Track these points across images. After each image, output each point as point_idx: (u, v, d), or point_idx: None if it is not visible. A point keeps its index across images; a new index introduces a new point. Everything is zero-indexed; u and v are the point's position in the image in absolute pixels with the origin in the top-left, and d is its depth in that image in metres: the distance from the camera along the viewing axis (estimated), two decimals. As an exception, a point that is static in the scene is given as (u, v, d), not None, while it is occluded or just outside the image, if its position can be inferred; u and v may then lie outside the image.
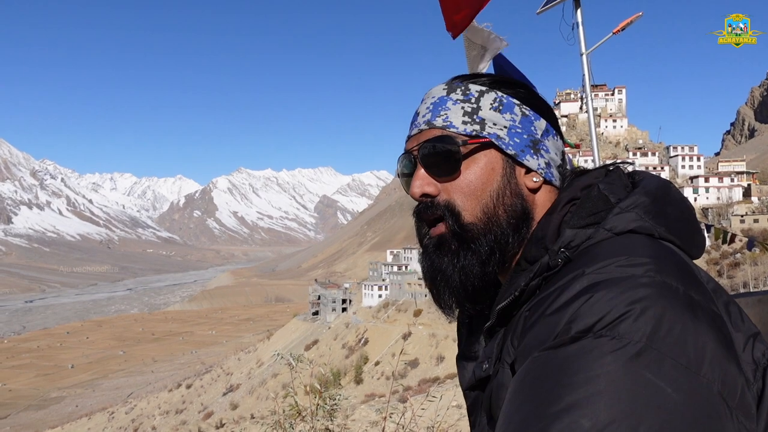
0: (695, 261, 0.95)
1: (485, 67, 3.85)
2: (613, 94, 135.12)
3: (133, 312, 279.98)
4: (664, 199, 0.91)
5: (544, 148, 1.00)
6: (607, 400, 0.65)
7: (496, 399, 0.88)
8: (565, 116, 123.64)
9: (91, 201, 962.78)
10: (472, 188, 0.95)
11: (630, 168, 1.01)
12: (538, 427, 0.66)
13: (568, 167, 1.04)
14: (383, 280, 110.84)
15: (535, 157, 0.98)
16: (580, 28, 6.96)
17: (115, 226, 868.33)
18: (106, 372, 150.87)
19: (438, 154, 0.95)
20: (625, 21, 7.05)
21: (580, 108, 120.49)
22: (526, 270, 0.90)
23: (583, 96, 7.12)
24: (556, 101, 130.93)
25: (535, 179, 0.98)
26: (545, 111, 1.03)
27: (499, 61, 4.24)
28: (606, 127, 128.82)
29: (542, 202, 0.98)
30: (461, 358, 1.06)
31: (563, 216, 0.93)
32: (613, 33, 7.13)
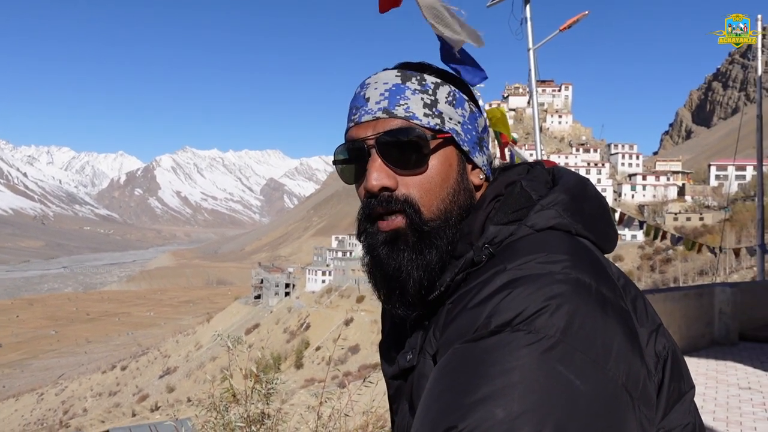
0: (608, 254, 0.98)
1: (457, 39, 3.71)
2: (559, 91, 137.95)
3: (67, 291, 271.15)
4: (581, 196, 0.94)
5: (486, 144, 1.01)
6: (521, 391, 0.68)
7: (417, 388, 0.92)
8: (513, 110, 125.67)
9: (25, 174, 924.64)
10: (433, 184, 0.93)
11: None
12: (455, 416, 0.69)
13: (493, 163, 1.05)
14: (327, 265, 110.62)
15: (480, 153, 0.99)
16: (529, 23, 7.08)
17: (50, 201, 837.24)
18: (36, 352, 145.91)
19: (404, 147, 0.92)
20: (571, 19, 7.21)
21: (528, 102, 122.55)
22: (452, 265, 0.92)
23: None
24: (505, 95, 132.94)
25: (480, 176, 0.99)
26: (480, 107, 1.04)
27: (449, 44, 4.23)
28: (552, 122, 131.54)
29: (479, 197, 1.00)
30: (385, 347, 1.08)
31: (488, 213, 0.94)
32: (560, 30, 7.28)
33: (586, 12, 6.76)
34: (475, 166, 0.99)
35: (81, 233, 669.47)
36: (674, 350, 0.90)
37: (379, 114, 0.93)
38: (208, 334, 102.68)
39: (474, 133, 0.99)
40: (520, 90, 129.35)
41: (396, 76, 0.96)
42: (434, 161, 0.93)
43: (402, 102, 0.93)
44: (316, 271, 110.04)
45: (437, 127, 0.93)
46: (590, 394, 0.70)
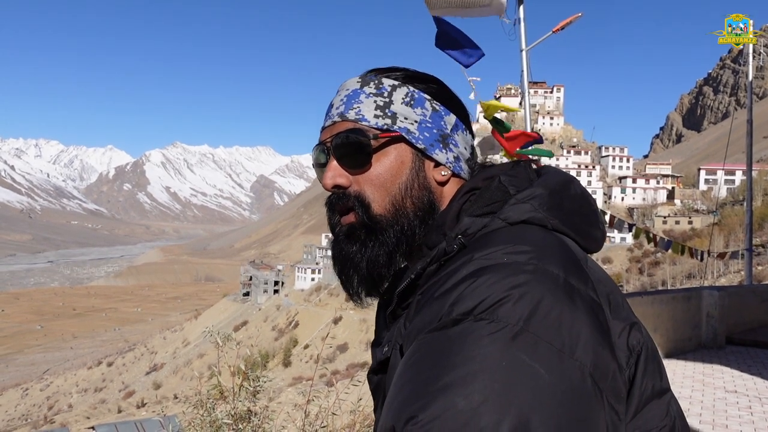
0: (596, 254, 0.96)
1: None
2: (551, 92, 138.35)
3: (53, 285, 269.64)
4: (562, 192, 0.94)
5: (453, 142, 1.02)
6: (483, 380, 0.68)
7: (388, 381, 0.91)
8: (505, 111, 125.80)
9: (13, 167, 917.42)
10: (382, 180, 0.97)
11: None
12: (417, 405, 0.69)
13: (477, 160, 1.06)
14: (317, 263, 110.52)
15: (444, 151, 1.00)
16: (522, 24, 7.07)
17: (38, 194, 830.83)
18: (21, 347, 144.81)
19: (349, 147, 0.97)
20: (564, 20, 7.22)
21: (520, 103, 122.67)
22: (425, 255, 0.94)
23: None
24: (497, 95, 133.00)
25: (443, 173, 1.00)
26: (456, 106, 1.05)
27: (445, 27, 4.27)
28: (543, 123, 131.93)
29: (449, 194, 1.01)
30: (373, 344, 1.09)
31: (462, 204, 0.96)
32: (553, 32, 7.28)
33: (579, 14, 6.77)
34: (438, 163, 1.00)
35: (68, 227, 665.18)
36: (649, 347, 0.89)
37: (336, 118, 1.00)
38: (195, 331, 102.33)
39: (435, 130, 1.00)
40: (512, 91, 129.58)
41: (357, 82, 1.02)
42: (383, 158, 0.98)
43: (355, 106, 0.99)
44: (305, 269, 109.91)
45: (385, 127, 0.97)
46: (554, 383, 0.69)
